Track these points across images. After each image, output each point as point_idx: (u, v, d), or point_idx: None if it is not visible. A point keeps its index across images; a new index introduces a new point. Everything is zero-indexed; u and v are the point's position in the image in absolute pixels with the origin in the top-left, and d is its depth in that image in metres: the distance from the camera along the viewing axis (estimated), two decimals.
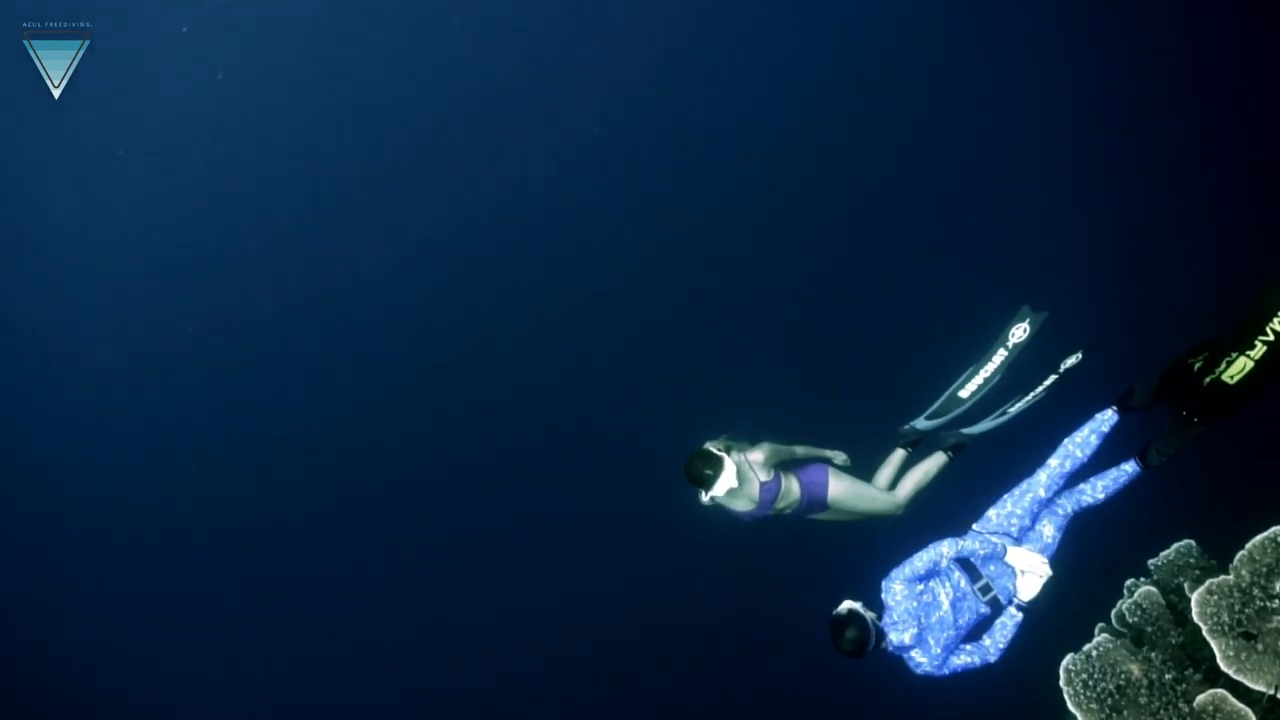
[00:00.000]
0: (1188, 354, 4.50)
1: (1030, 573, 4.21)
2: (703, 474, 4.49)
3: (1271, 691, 2.88)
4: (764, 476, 4.66)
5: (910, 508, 5.11)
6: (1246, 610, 2.98)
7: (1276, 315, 4.28)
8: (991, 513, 4.48)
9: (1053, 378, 5.06)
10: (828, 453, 5.07)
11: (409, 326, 13.11)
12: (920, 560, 4.15)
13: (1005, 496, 4.51)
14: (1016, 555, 4.25)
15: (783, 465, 4.83)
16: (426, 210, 13.10)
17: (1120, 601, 3.32)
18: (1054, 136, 11.11)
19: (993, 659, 4.15)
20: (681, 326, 12.24)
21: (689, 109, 12.34)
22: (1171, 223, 10.03)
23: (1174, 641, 3.18)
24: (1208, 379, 4.36)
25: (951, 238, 11.06)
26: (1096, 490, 4.57)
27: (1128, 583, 3.38)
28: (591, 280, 12.71)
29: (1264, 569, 3.00)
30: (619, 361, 12.38)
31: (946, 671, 4.14)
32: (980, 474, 4.86)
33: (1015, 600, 4.21)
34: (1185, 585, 3.19)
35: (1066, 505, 4.57)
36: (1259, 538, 3.01)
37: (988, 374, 5.24)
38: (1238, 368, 4.25)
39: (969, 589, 4.23)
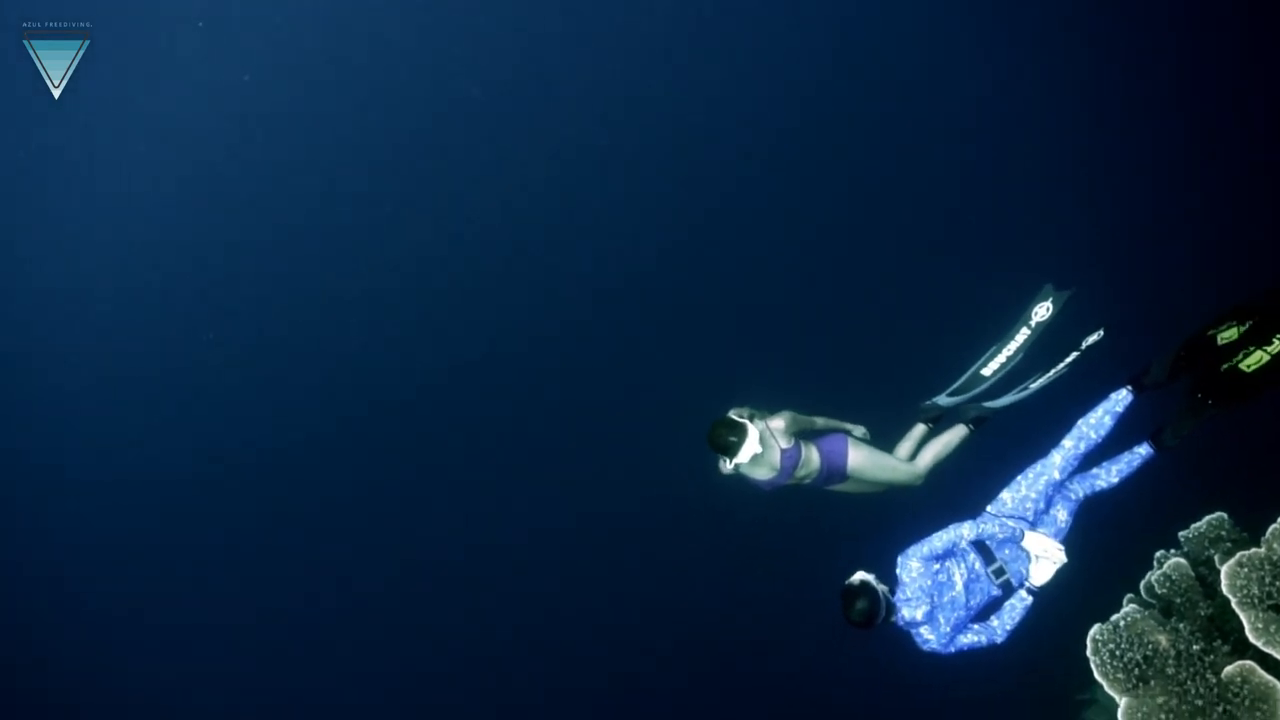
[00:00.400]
0: (1208, 326, 4.51)
1: (1044, 558, 4.24)
2: (727, 440, 4.50)
3: None
4: (785, 444, 4.69)
5: (929, 479, 5.14)
6: (1277, 583, 3.01)
7: None
8: (1005, 495, 4.49)
9: (1074, 354, 5.12)
10: (847, 425, 5.10)
11: (423, 321, 13.11)
12: (939, 540, 4.18)
13: (1019, 478, 4.51)
14: (1033, 540, 4.27)
15: (803, 435, 4.86)
16: (437, 210, 13.10)
17: (1149, 573, 3.34)
18: (1079, 118, 11.20)
19: (999, 640, 4.19)
20: (703, 302, 12.27)
21: (721, 90, 12.38)
22: (1193, 205, 10.09)
23: (1203, 613, 3.21)
24: (1225, 366, 4.39)
25: (974, 218, 11.14)
26: (1110, 474, 4.60)
27: (1157, 554, 3.40)
28: (612, 268, 12.74)
29: None
30: (632, 352, 12.43)
31: (953, 650, 4.18)
32: (994, 455, 4.89)
33: (1027, 584, 4.24)
34: (1215, 558, 3.21)
35: (1079, 490, 4.59)
36: None
37: (1010, 352, 5.29)
38: (1254, 359, 4.30)
39: (983, 571, 4.26)
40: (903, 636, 4.23)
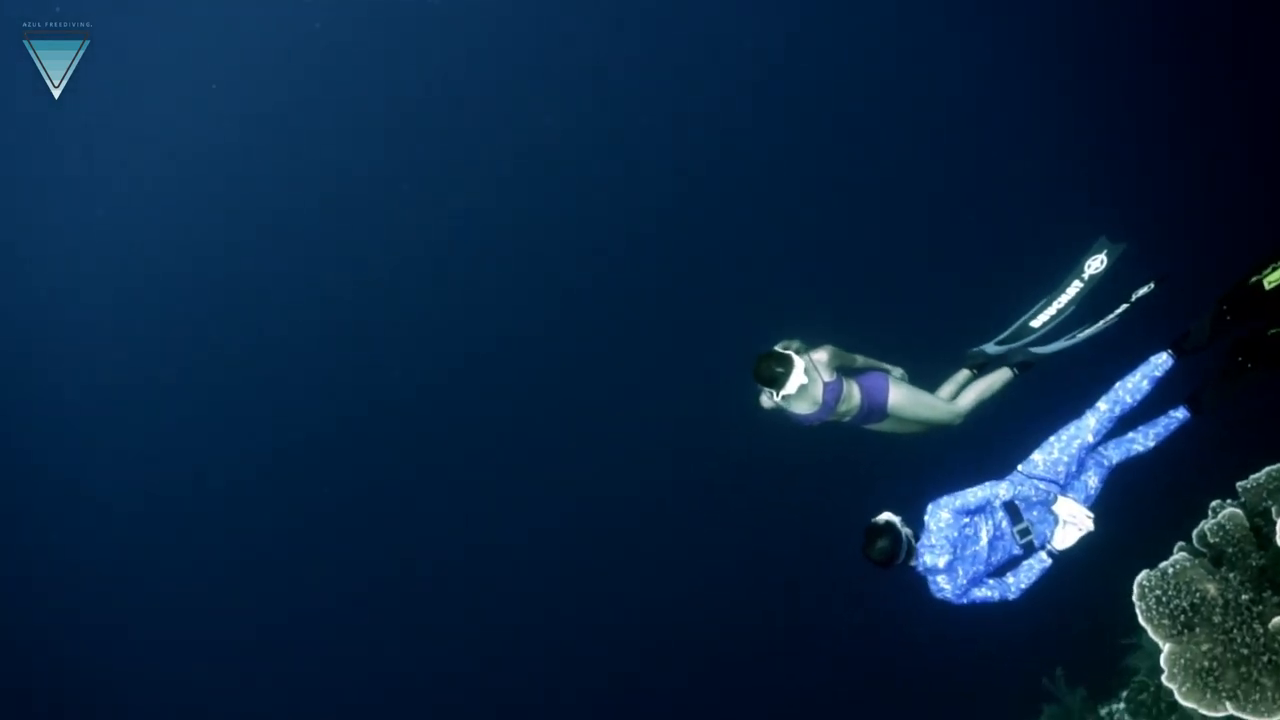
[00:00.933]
0: (1250, 272, 4.39)
1: (1072, 524, 4.23)
2: (774, 372, 4.55)
3: None
4: (827, 377, 4.73)
5: (968, 420, 5.13)
6: None
7: None
8: (1038, 457, 4.45)
9: (1124, 306, 5.07)
10: (886, 365, 5.11)
11: (423, 314, 13.25)
12: (974, 495, 4.19)
13: (1051, 440, 4.47)
14: (1064, 506, 4.26)
15: (844, 371, 4.88)
16: (436, 204, 13.19)
17: (1203, 522, 3.33)
18: (1138, 69, 10.77)
19: (1012, 597, 4.25)
20: (749, 241, 12.20)
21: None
22: (1252, 158, 9.72)
23: (1254, 564, 3.19)
24: (1272, 331, 4.30)
25: (1030, 167, 10.87)
26: (1147, 438, 4.54)
27: (1213, 504, 3.38)
28: (632, 234, 12.74)
29: None
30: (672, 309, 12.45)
31: (964, 601, 4.25)
32: (1028, 413, 4.84)
33: (1049, 547, 4.24)
34: (1273, 509, 3.18)
35: (1114, 455, 4.53)
36: None
37: (1061, 305, 5.24)
38: None
39: (1009, 530, 4.29)
40: (918, 581, 4.30)
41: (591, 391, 12.55)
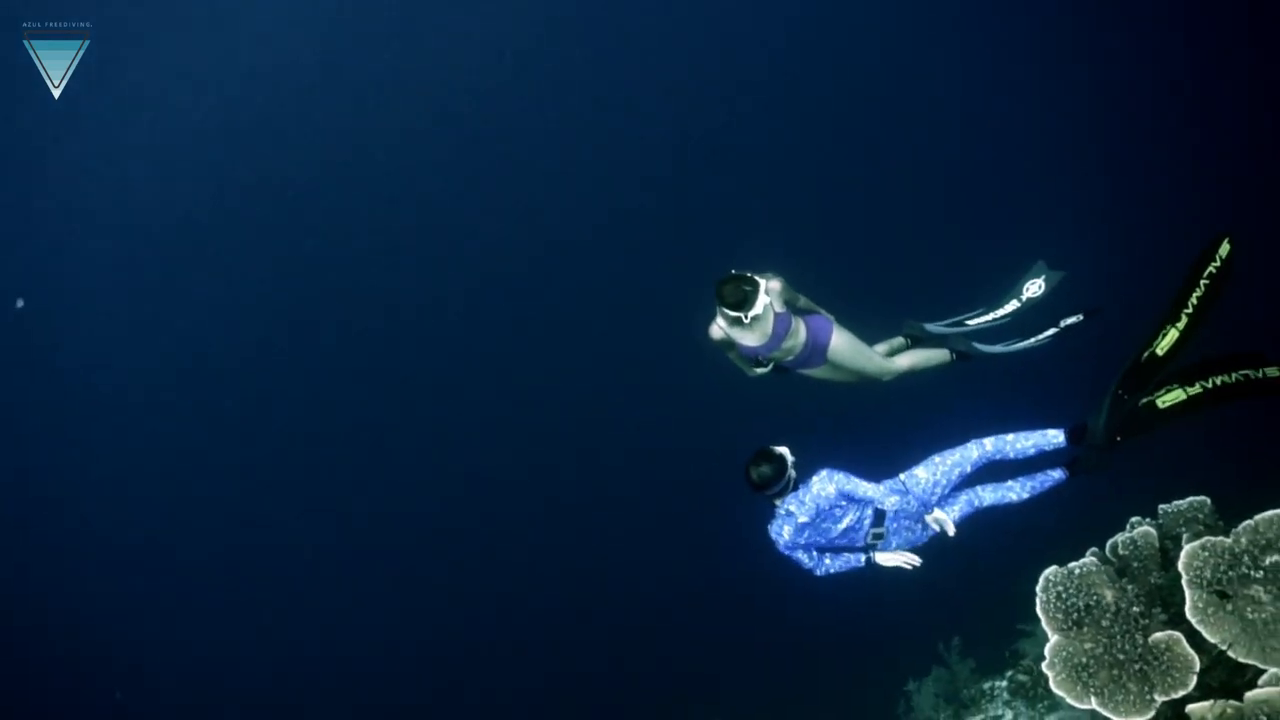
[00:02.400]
0: (1143, 346, 4.57)
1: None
2: (743, 292, 4.59)
3: (1223, 647, 3.13)
4: (779, 308, 4.79)
5: (898, 381, 5.28)
6: (1230, 573, 3.19)
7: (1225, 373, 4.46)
8: (922, 474, 4.60)
9: (1053, 330, 5.28)
10: (823, 310, 5.19)
11: (417, 284, 13.23)
12: (864, 489, 4.39)
13: (936, 460, 4.63)
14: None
15: (790, 308, 4.97)
16: (434, 198, 13.03)
17: (1119, 534, 3.53)
18: (1135, 68, 10.69)
19: (818, 574, 4.51)
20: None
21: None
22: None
23: (1153, 581, 3.41)
24: (1143, 400, 4.53)
25: (1023, 164, 10.84)
26: (1024, 490, 4.74)
27: (1132, 519, 3.59)
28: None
29: (1262, 542, 3.18)
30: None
31: (785, 554, 4.48)
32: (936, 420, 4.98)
33: (871, 555, 4.50)
34: (1184, 536, 3.38)
35: (988, 498, 4.72)
36: (1270, 513, 3.18)
37: (995, 317, 5.42)
38: (1172, 396, 4.50)
39: (866, 529, 4.52)
40: (766, 513, 4.47)
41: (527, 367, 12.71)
